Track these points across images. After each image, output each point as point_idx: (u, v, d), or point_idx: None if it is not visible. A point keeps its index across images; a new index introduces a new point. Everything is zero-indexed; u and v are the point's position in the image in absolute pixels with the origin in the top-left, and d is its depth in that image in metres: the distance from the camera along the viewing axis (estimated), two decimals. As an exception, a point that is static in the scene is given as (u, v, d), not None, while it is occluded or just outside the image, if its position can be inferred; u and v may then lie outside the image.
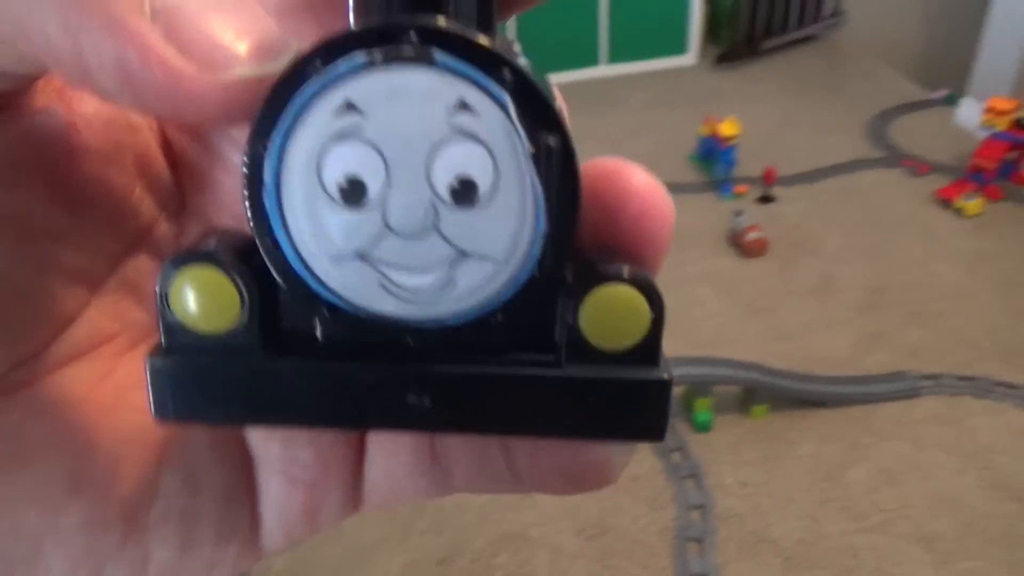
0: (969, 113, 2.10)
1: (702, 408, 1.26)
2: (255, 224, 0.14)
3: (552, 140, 0.13)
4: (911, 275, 1.61)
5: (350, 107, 0.13)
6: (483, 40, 0.13)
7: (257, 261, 0.15)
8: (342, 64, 0.13)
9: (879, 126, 2.18)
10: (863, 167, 1.99)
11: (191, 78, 0.12)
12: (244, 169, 0.14)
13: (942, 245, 1.70)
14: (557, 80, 2.47)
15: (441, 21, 0.13)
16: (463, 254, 0.14)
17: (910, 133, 2.14)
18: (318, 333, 0.16)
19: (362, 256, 0.14)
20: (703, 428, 1.26)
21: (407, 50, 0.13)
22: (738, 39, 2.59)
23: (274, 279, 0.15)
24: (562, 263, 0.14)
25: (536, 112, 0.13)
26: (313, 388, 0.15)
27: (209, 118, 0.13)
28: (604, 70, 2.62)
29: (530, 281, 0.14)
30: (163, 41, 0.12)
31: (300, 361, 0.15)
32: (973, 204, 1.78)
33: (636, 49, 2.62)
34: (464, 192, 0.14)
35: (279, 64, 0.13)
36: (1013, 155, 1.82)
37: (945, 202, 1.82)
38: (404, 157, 0.13)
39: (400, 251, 0.14)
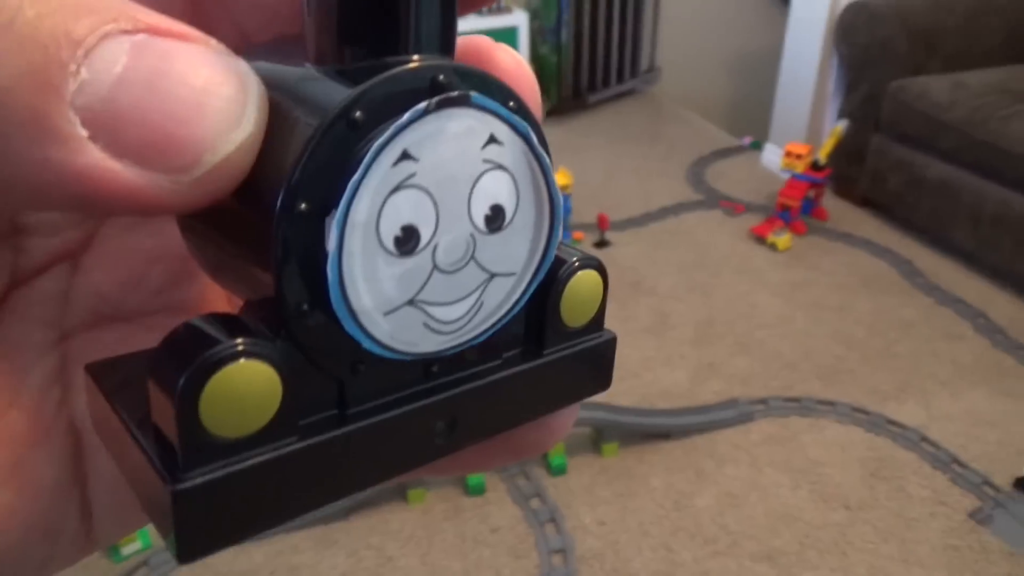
0: (772, 157, 2.31)
1: (556, 452, 1.27)
2: (309, 296, 0.13)
3: (548, 158, 0.15)
4: (735, 308, 1.73)
5: (406, 156, 0.13)
6: (497, 79, 0.14)
7: (277, 343, 0.13)
8: (407, 115, 0.13)
9: (697, 171, 2.35)
10: (686, 209, 2.14)
11: (147, 191, 0.11)
12: (281, 240, 0.12)
13: (760, 278, 1.84)
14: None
15: (456, 62, 0.14)
16: (492, 276, 0.15)
17: (724, 176, 2.32)
18: (346, 395, 0.14)
19: (412, 302, 0.14)
20: (559, 471, 1.28)
21: (454, 95, 0.13)
22: (565, 94, 2.73)
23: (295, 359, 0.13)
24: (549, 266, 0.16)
25: (540, 133, 0.15)
26: (349, 457, 0.14)
27: (196, 210, 0.12)
28: (440, 126, 2.66)
29: (540, 284, 0.16)
30: (100, 157, 0.11)
31: (335, 435, 0.14)
32: (783, 239, 1.95)
33: (470, 105, 2.69)
34: (495, 218, 0.15)
35: (247, 127, 0.12)
36: (812, 193, 2.02)
37: (759, 238, 1.98)
38: (450, 196, 0.14)
39: (442, 287, 0.14)
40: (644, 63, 2.87)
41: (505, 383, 0.16)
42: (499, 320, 0.15)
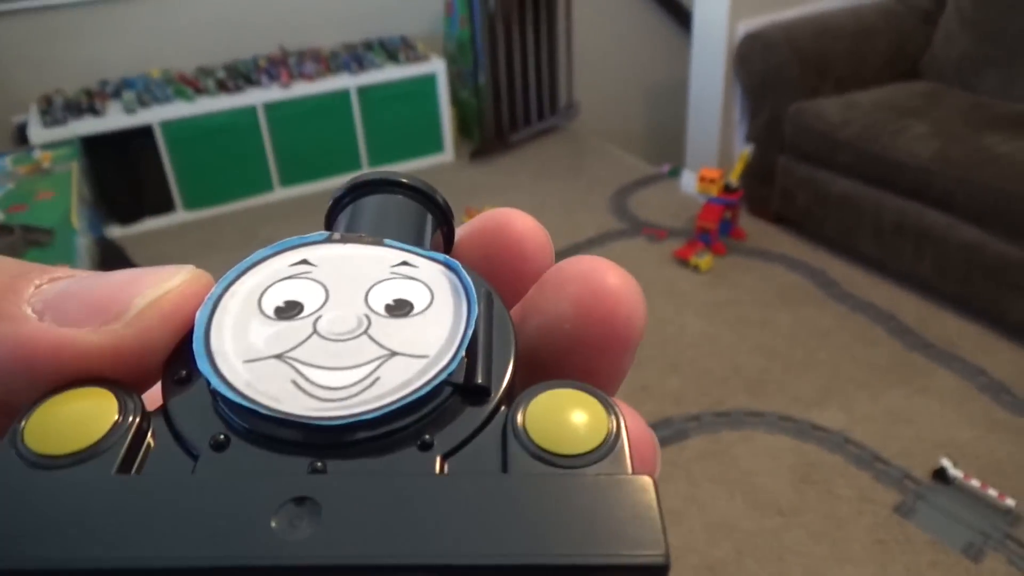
0: (688, 182, 2.41)
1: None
2: (175, 353, 0.14)
3: (484, 285, 0.15)
4: (665, 330, 1.80)
5: (304, 262, 0.15)
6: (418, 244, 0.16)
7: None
8: (311, 236, 0.15)
9: (619, 200, 2.44)
10: (611, 238, 2.21)
11: (81, 343, 0.13)
12: None
13: (686, 299, 1.92)
14: (323, 186, 2.49)
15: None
16: (393, 353, 0.14)
17: (646, 204, 2.41)
18: (199, 452, 0.13)
19: (281, 357, 0.13)
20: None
21: (364, 236, 0.15)
22: (488, 135, 2.79)
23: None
24: (493, 376, 0.14)
25: (467, 271, 0.15)
26: (168, 507, 0.11)
27: (118, 374, 0.13)
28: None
29: (461, 384, 0.13)
30: (47, 326, 0.13)
31: (160, 477, 0.12)
32: (705, 261, 2.03)
33: (395, 151, 2.74)
34: (398, 307, 0.14)
35: (176, 295, 0.14)
36: (728, 215, 2.12)
37: (682, 261, 2.06)
38: (345, 287, 0.14)
39: (323, 351, 0.13)
40: (562, 99, 2.97)
41: (432, 490, 0.11)
42: (403, 398, 0.13)
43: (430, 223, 0.18)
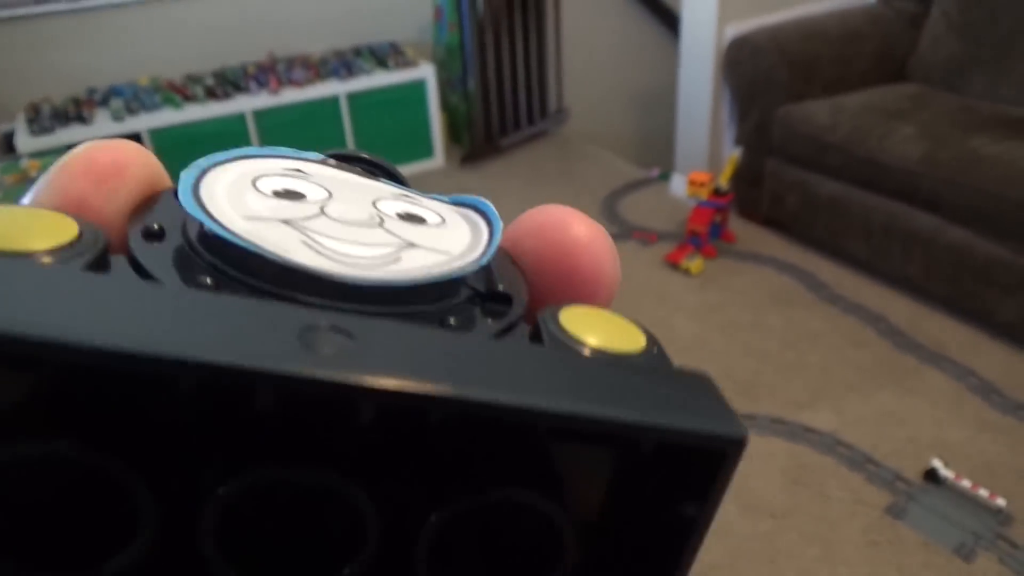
0: (678, 186, 2.42)
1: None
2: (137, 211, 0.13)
3: (487, 209, 0.15)
4: (656, 333, 1.79)
5: (299, 172, 0.14)
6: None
7: None
8: (302, 152, 0.15)
9: (610, 204, 2.44)
10: (603, 243, 2.21)
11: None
12: None
13: (677, 303, 1.92)
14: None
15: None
16: (411, 244, 0.13)
17: (636, 208, 2.42)
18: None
19: (288, 222, 0.12)
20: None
21: (362, 170, 0.15)
22: (478, 140, 2.80)
23: None
24: (513, 291, 0.13)
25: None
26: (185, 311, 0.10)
27: None
28: (357, 180, 2.70)
29: (484, 292, 0.13)
30: None
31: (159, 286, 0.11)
32: (695, 264, 2.03)
33: (386, 157, 2.72)
34: (410, 219, 0.13)
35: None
36: (719, 218, 2.12)
37: (673, 265, 2.06)
38: (349, 193, 0.13)
39: (334, 228, 0.12)
40: (552, 104, 2.97)
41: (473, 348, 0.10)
42: (430, 277, 0.12)
43: None
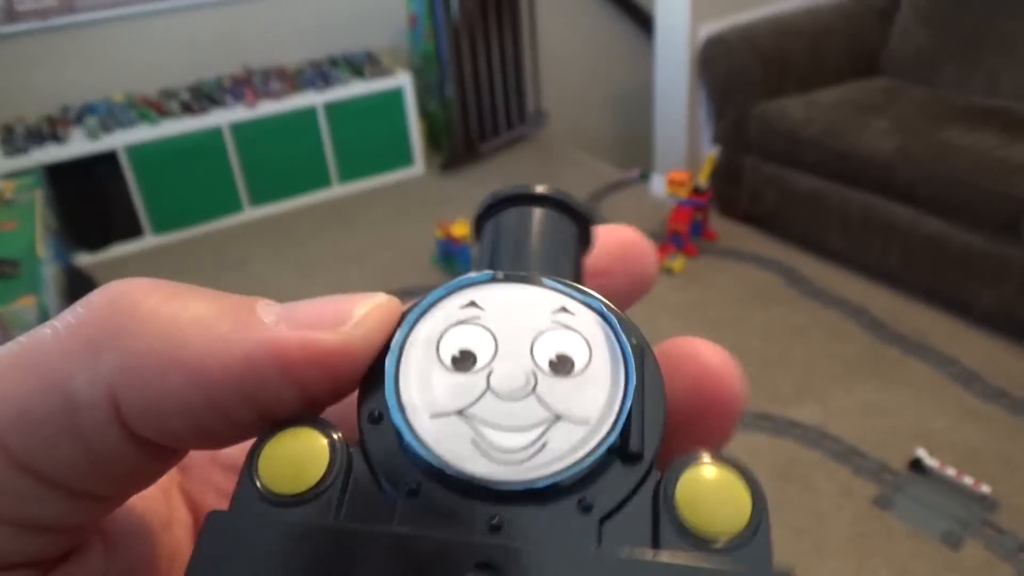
0: (658, 186, 2.43)
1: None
2: (368, 384, 0.15)
3: (639, 340, 0.15)
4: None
5: (472, 304, 0.16)
6: (572, 279, 0.17)
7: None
8: (473, 276, 0.16)
9: (592, 207, 2.45)
10: (585, 245, 2.22)
11: (311, 340, 0.14)
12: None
13: (660, 302, 1.93)
14: (293, 205, 2.47)
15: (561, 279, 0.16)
16: (558, 417, 0.14)
17: (618, 209, 2.43)
18: (396, 496, 0.14)
19: (461, 413, 0.15)
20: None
21: (523, 275, 0.16)
22: (457, 146, 2.80)
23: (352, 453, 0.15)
24: (646, 442, 0.14)
25: (622, 321, 0.16)
26: (378, 555, 0.13)
27: (342, 374, 0.15)
28: (338, 190, 2.69)
29: (618, 450, 0.14)
30: (287, 329, 0.14)
31: (371, 525, 0.14)
32: (678, 263, 2.04)
33: (365, 166, 2.73)
34: (561, 364, 0.15)
35: (382, 310, 0.16)
36: (699, 216, 2.13)
37: (655, 265, 2.07)
38: (512, 337, 0.15)
39: (498, 411, 0.15)
40: (530, 108, 2.98)
41: (579, 563, 0.13)
42: (570, 467, 0.14)
43: (575, 238, 0.19)
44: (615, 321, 0.16)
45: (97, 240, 2.40)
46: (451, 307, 0.16)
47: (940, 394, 1.55)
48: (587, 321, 0.16)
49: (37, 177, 2.03)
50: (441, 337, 0.16)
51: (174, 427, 0.14)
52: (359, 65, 2.69)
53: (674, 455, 0.15)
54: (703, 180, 2.09)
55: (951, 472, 1.34)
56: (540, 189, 0.18)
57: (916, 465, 1.38)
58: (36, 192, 1.90)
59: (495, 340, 0.15)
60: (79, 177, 2.30)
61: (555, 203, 0.18)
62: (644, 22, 2.96)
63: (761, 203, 2.14)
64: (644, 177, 2.62)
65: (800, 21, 2.16)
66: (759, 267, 2.03)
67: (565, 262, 0.18)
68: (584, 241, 0.19)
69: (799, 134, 1.95)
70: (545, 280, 0.16)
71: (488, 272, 0.16)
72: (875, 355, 1.68)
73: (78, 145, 2.28)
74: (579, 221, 0.18)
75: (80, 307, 0.14)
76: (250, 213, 2.58)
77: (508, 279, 0.16)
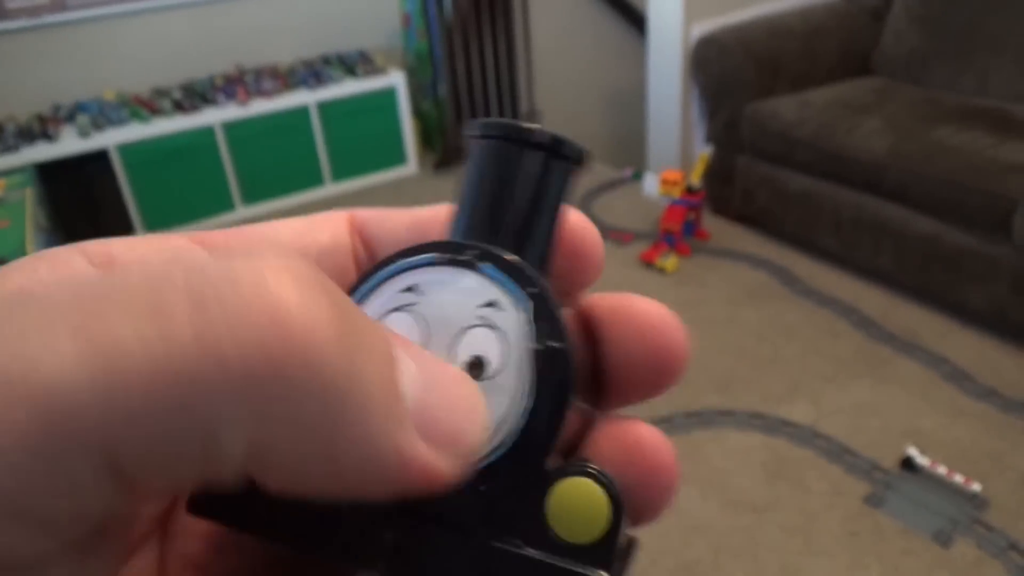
0: (651, 185, 2.43)
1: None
2: None
3: (556, 345, 0.16)
4: (633, 333, 1.80)
5: (411, 289, 0.17)
6: (522, 264, 0.16)
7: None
8: (416, 258, 0.17)
9: (585, 205, 2.45)
10: (578, 244, 2.22)
11: (435, 468, 0.13)
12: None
13: (653, 301, 1.93)
14: (286, 203, 2.47)
15: (493, 249, 0.16)
16: None
17: (611, 208, 2.43)
18: None
19: None
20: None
21: (462, 258, 0.16)
22: (450, 145, 2.79)
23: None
24: (542, 449, 0.16)
25: (548, 321, 0.16)
26: None
27: (427, 491, 0.14)
28: (331, 189, 2.69)
29: (511, 453, 0.15)
30: (424, 446, 0.13)
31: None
32: (670, 262, 2.05)
33: (358, 165, 2.73)
34: (475, 366, 0.16)
35: (485, 419, 0.15)
36: (692, 216, 2.14)
37: (648, 264, 2.07)
38: (441, 330, 0.16)
39: None
40: (523, 107, 2.98)
41: (471, 554, 0.15)
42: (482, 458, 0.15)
43: (560, 189, 0.18)
44: (534, 323, 0.16)
45: (88, 239, 2.38)
46: (391, 290, 0.17)
47: (931, 393, 1.55)
48: (512, 319, 0.16)
49: (28, 176, 2.02)
50: (382, 319, 0.16)
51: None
52: (352, 64, 2.68)
53: (626, 402, 0.18)
54: (696, 179, 2.09)
55: (942, 470, 1.35)
56: (537, 134, 0.17)
57: (907, 463, 1.38)
58: (27, 191, 1.89)
59: (428, 332, 0.16)
60: (70, 176, 2.29)
61: (549, 149, 0.18)
62: (637, 21, 2.96)
63: (753, 202, 2.14)
64: (637, 176, 2.62)
65: (792, 21, 2.16)
66: (751, 266, 2.04)
67: (538, 229, 0.17)
68: (569, 183, 0.18)
69: (791, 134, 1.96)
70: (483, 267, 0.16)
71: (429, 255, 0.17)
72: (867, 354, 1.68)
73: (69, 144, 2.27)
74: (570, 163, 0.18)
75: None
76: (242, 212, 2.57)
77: (448, 263, 0.16)
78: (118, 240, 0.17)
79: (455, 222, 0.17)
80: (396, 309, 0.17)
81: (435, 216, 0.18)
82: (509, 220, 0.17)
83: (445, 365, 0.15)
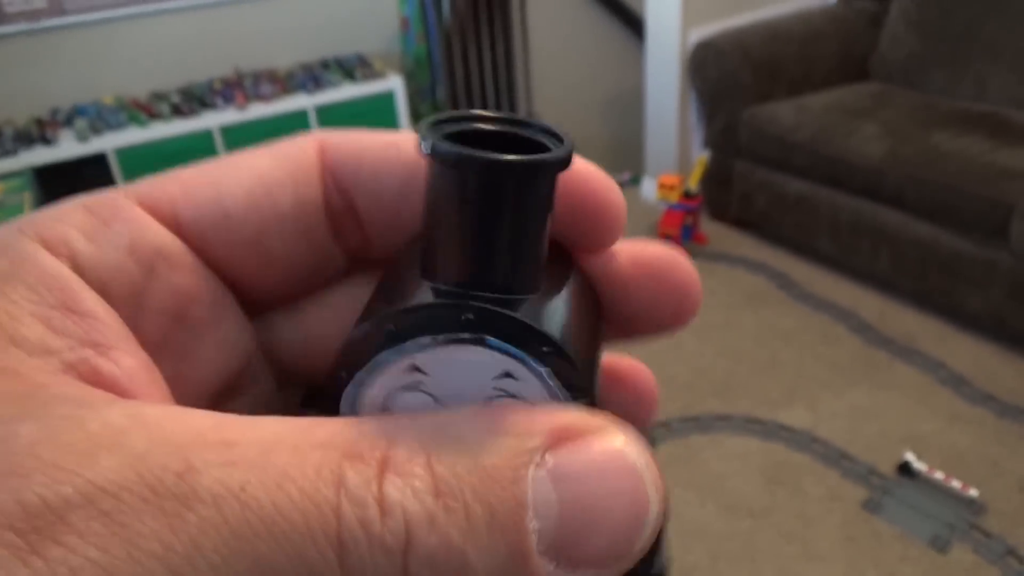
0: (649, 189, 2.43)
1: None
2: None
3: (584, 400, 0.15)
4: (631, 337, 1.80)
5: (415, 369, 0.16)
6: (528, 323, 0.15)
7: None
8: (410, 344, 0.15)
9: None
10: (576, 248, 2.22)
11: None
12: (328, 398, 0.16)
13: (651, 306, 1.93)
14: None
15: (496, 306, 0.15)
16: None
17: (609, 213, 2.43)
18: None
19: None
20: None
21: (466, 336, 0.15)
22: (449, 149, 2.79)
23: None
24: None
25: (568, 377, 0.15)
26: None
27: None
28: (329, 193, 2.69)
29: None
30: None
31: None
32: (668, 266, 2.04)
33: (357, 169, 2.73)
34: None
35: (655, 522, 0.13)
36: (689, 220, 2.14)
37: (646, 268, 2.07)
38: (455, 405, 0.16)
39: None
40: (522, 111, 2.98)
41: None
42: None
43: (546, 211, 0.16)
44: (555, 387, 0.15)
45: (86, 243, 2.38)
46: (394, 371, 0.16)
47: (928, 398, 1.55)
48: (534, 386, 0.15)
49: (26, 179, 2.02)
50: (388, 402, 0.16)
51: None
52: (351, 68, 2.68)
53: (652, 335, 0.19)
54: (693, 184, 2.09)
55: (939, 476, 1.35)
56: (507, 156, 0.14)
57: (904, 469, 1.38)
58: (25, 194, 1.89)
59: (440, 406, 0.16)
60: (68, 179, 2.29)
61: (528, 171, 0.15)
62: (635, 26, 2.97)
63: (751, 207, 2.15)
64: (635, 181, 2.62)
65: (790, 26, 2.17)
66: (749, 271, 2.04)
67: (527, 248, 0.16)
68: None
69: (789, 138, 1.96)
70: (489, 341, 0.15)
71: (427, 338, 0.15)
72: (864, 359, 1.69)
73: (67, 147, 2.27)
74: (555, 169, 0.16)
75: None
76: (241, 216, 2.57)
77: (450, 342, 0.15)
78: None
79: (428, 254, 0.16)
80: (403, 389, 0.16)
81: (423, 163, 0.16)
82: (496, 251, 0.15)
83: (596, 464, 0.12)
